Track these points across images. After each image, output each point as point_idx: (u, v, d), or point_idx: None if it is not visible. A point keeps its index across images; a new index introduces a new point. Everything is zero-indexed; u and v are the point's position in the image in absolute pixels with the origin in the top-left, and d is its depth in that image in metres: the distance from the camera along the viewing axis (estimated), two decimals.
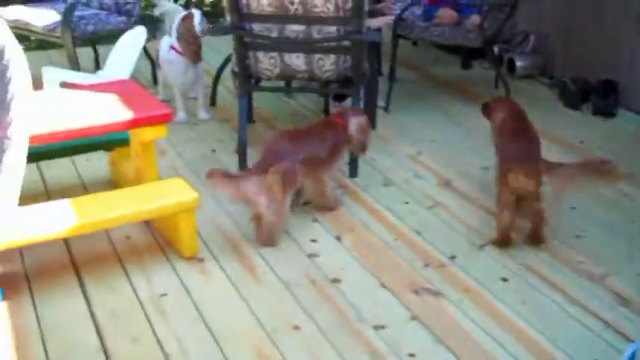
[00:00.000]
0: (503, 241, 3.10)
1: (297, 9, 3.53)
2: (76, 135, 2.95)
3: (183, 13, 4.55)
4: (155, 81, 5.10)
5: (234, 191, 3.09)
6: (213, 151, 4.10)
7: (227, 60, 4.74)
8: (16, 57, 1.47)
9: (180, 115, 4.48)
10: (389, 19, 4.61)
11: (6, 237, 2.50)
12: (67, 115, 3.01)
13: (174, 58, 4.40)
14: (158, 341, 2.49)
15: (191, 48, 4.34)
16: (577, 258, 3.03)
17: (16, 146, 1.43)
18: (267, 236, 3.10)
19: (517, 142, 3.19)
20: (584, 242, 3.16)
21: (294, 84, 4.65)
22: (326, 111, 4.55)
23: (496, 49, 5.37)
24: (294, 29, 3.60)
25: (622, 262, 3.00)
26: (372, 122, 4.38)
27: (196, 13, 4.42)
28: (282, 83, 4.69)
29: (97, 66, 5.36)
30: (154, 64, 5.06)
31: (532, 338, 2.52)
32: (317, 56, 3.66)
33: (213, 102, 4.81)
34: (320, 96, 4.72)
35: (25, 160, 1.47)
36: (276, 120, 4.59)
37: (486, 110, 3.59)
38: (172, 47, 4.39)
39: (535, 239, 3.11)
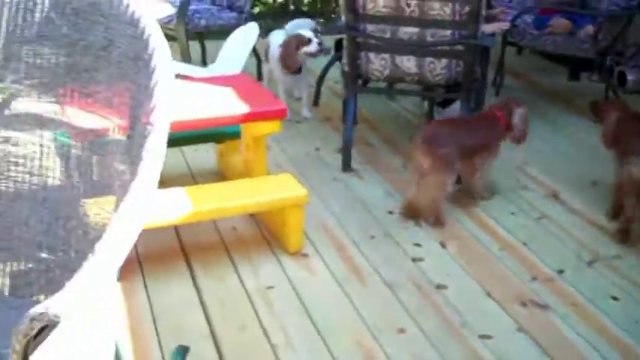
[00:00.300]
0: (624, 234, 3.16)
1: (413, 11, 3.53)
2: (194, 126, 3.03)
3: (295, 33, 4.43)
4: (260, 77, 5.20)
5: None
6: (317, 149, 4.14)
7: (332, 61, 4.78)
8: (161, 46, 1.53)
9: None
10: (504, 25, 4.56)
11: (149, 219, 2.58)
12: (184, 106, 3.09)
13: None
14: (264, 331, 2.53)
15: (287, 65, 4.37)
16: None
17: (158, 132, 1.48)
18: (430, 214, 3.29)
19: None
20: None
21: (399, 87, 4.64)
22: (430, 116, 4.52)
23: (607, 62, 5.22)
24: (408, 31, 3.61)
25: None
26: None
27: (311, 39, 4.32)
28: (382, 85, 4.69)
29: (204, 60, 5.50)
30: (260, 61, 5.16)
31: None
32: (429, 59, 3.65)
33: (316, 102, 4.86)
34: (422, 100, 4.70)
35: (165, 146, 1.52)
36: (379, 122, 4.59)
37: (597, 109, 3.56)
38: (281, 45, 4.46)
39: None
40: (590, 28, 4.63)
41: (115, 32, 1.64)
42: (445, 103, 4.46)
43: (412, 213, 3.34)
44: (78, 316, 1.35)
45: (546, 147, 4.23)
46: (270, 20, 7.58)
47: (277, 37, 4.53)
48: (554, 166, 3.96)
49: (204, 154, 3.93)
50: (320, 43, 4.28)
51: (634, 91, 5.13)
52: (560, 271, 2.97)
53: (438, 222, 3.30)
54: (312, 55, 4.32)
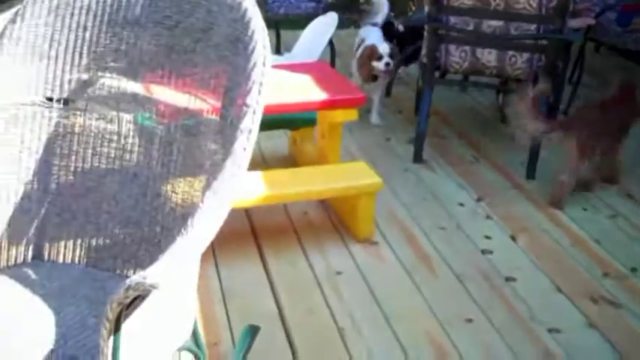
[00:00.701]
0: None
1: (498, 4, 3.51)
2: (273, 111, 3.07)
3: (371, 44, 4.26)
4: (333, 66, 5.23)
5: (535, 127, 3.31)
6: (388, 139, 4.16)
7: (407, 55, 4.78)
8: (260, 29, 1.57)
9: None
10: (589, 20, 4.46)
11: (239, 197, 2.67)
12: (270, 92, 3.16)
13: None
14: (332, 315, 2.58)
15: (362, 74, 4.27)
16: None
17: (253, 113, 1.54)
18: (554, 196, 3.40)
19: None
20: None
21: (472, 79, 4.61)
22: (503, 109, 4.48)
23: None
24: (492, 24, 3.59)
25: None
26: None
27: (382, 56, 4.16)
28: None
29: (278, 49, 5.57)
30: (334, 51, 5.19)
31: None
32: (510, 53, 3.63)
33: (388, 93, 4.87)
34: (497, 93, 4.66)
35: (258, 127, 1.57)
36: (451, 115, 4.58)
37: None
38: None
39: None
40: None
41: (216, 15, 1.70)
42: None
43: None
44: (169, 288, 1.42)
45: None
46: (340, 11, 7.61)
47: (369, 35, 4.48)
48: (627, 164, 3.87)
49: (277, 141, 4.00)
50: (388, 64, 4.14)
51: None
52: (634, 269, 2.92)
53: (556, 203, 3.41)
54: (381, 72, 4.19)
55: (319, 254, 2.97)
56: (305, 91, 3.17)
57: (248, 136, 1.54)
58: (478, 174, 3.75)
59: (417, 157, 3.86)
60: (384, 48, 4.17)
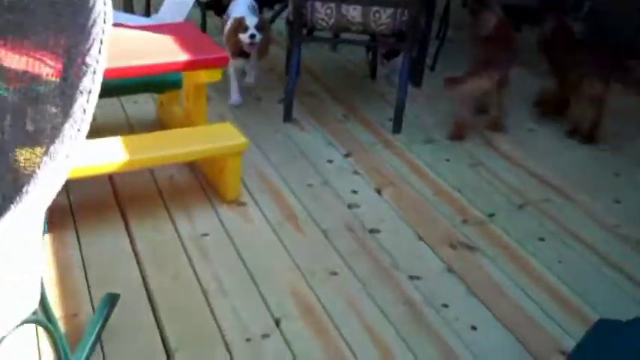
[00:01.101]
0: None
1: None
2: (133, 73, 2.99)
3: (239, 16, 3.99)
4: (204, 28, 5.14)
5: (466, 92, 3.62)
6: (259, 99, 4.14)
7: (279, 11, 4.75)
8: None
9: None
10: None
11: (82, 167, 2.61)
12: (123, 53, 3.05)
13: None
14: (197, 278, 2.56)
15: (231, 48, 3.98)
16: (614, 221, 3.02)
17: (93, 73, 1.48)
18: (454, 133, 3.74)
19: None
20: (624, 207, 3.15)
21: (344, 36, 4.64)
22: (373, 66, 4.54)
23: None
24: None
25: None
26: (419, 80, 4.39)
27: (249, 23, 3.89)
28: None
29: (148, 11, 5.42)
30: (205, 12, 5.10)
31: (564, 295, 2.55)
32: (374, 8, 3.65)
33: None
34: (367, 51, 4.71)
35: (99, 88, 1.51)
36: (321, 73, 4.60)
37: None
38: None
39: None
40: None
41: None
42: (389, 55, 4.47)
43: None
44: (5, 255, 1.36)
45: None
46: None
47: (235, 6, 4.28)
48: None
49: (143, 106, 3.91)
50: (253, 35, 3.85)
51: None
52: (491, 215, 3.05)
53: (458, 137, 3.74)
54: (247, 46, 3.92)
55: (185, 218, 2.94)
56: (167, 52, 3.09)
57: (88, 98, 1.48)
58: (347, 131, 3.80)
59: (287, 117, 3.86)
60: (250, 19, 3.93)
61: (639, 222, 3.03)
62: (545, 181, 3.35)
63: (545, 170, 3.44)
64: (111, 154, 2.77)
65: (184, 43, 3.17)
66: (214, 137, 3.00)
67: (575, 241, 2.88)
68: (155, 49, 3.11)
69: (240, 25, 3.91)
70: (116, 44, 3.10)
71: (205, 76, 3.09)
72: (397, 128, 3.77)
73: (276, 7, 4.91)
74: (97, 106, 3.83)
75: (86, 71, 1.53)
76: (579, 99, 3.68)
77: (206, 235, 2.83)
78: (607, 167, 3.52)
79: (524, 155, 3.58)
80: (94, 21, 1.54)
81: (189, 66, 3.04)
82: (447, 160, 3.52)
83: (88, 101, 1.55)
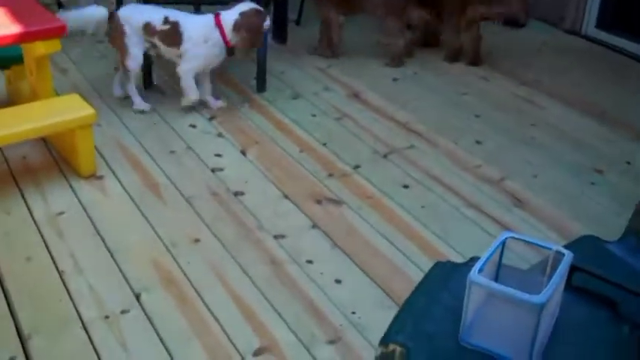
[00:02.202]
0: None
1: None
2: None
3: None
4: (60, 5, 4.89)
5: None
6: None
7: None
8: None
9: None
10: None
11: None
12: None
13: None
14: (52, 259, 2.44)
15: None
16: (475, 162, 3.08)
17: None
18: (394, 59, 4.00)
19: None
20: (484, 148, 3.22)
21: None
22: None
23: None
24: None
25: (519, 165, 3.07)
26: (283, 36, 4.31)
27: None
28: None
29: None
30: None
31: (427, 239, 2.58)
32: None
33: None
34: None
35: None
36: None
37: None
38: None
39: None
40: None
41: None
42: None
43: None
44: None
45: (349, 49, 4.25)
46: None
47: None
48: (356, 67, 4.02)
49: None
50: None
51: None
52: (356, 167, 3.04)
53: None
54: None
55: (39, 198, 2.79)
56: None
57: None
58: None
59: (147, 83, 3.72)
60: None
61: (500, 162, 3.10)
62: (409, 128, 3.37)
63: (409, 117, 3.46)
64: None
65: (18, 14, 2.97)
66: (61, 110, 2.85)
67: (438, 185, 2.92)
68: None
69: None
70: None
71: (44, 48, 2.91)
72: (261, 87, 3.71)
73: None
74: None
75: None
76: (461, 25, 3.94)
77: (61, 213, 2.69)
78: (468, 109, 3.57)
79: (388, 104, 3.59)
80: None
81: (23, 38, 2.86)
82: (313, 116, 3.49)
83: None
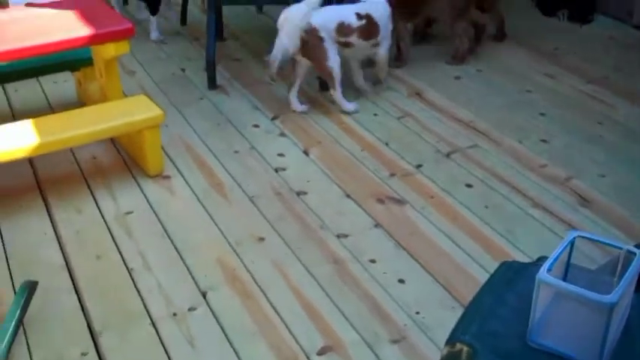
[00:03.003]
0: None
1: None
2: (36, 52, 2.89)
3: None
4: (125, 1, 5.03)
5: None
6: (183, 70, 4.05)
7: None
8: None
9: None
10: None
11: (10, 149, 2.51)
12: (29, 33, 2.94)
13: None
14: (122, 257, 2.51)
15: None
16: (541, 162, 3.03)
17: None
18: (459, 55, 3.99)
19: None
20: (550, 146, 3.16)
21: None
22: None
23: None
24: None
25: (586, 164, 3.01)
26: None
27: None
28: None
29: None
30: None
31: (492, 240, 2.55)
32: None
33: (184, 21, 4.73)
34: None
35: None
36: (247, 37, 4.51)
37: None
38: None
39: None
40: None
41: None
42: None
43: None
44: None
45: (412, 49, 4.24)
46: None
47: None
48: (418, 66, 3.99)
49: (62, 85, 3.79)
50: None
51: None
52: (419, 166, 3.03)
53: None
54: None
55: (109, 197, 2.87)
56: (68, 28, 2.98)
57: None
58: (274, 93, 3.74)
59: (211, 84, 3.78)
60: None
61: (566, 160, 3.04)
62: (472, 127, 3.34)
63: (472, 116, 3.43)
64: (23, 138, 2.68)
65: (88, 17, 3.06)
66: (129, 111, 2.92)
67: (502, 185, 2.88)
68: (57, 26, 3.00)
69: None
70: (23, 24, 3.02)
71: (113, 50, 2.99)
72: (325, 86, 3.72)
73: None
74: (14, 90, 3.73)
75: None
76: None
77: (130, 212, 2.76)
78: (532, 107, 3.52)
79: (451, 103, 3.56)
80: None
81: (94, 40, 2.94)
82: (375, 115, 3.49)
83: None
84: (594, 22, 4.58)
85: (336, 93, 3.46)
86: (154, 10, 4.39)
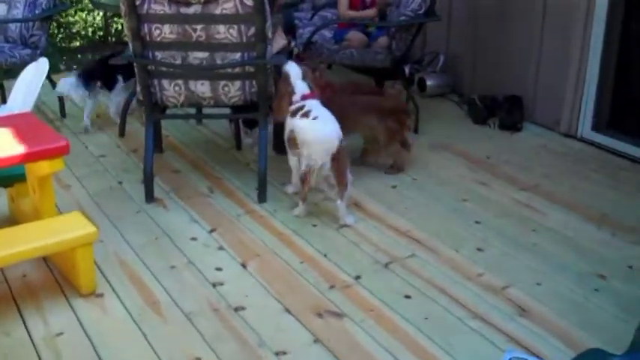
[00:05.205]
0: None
1: (200, 36, 3.51)
2: None
3: None
4: (63, 113, 5.03)
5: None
6: (120, 182, 4.01)
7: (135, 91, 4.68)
8: None
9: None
10: (283, 41, 4.58)
11: None
12: None
13: None
14: None
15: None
16: (478, 270, 3.06)
17: None
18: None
19: None
20: (486, 255, 3.20)
21: (205, 111, 4.60)
22: (237, 137, 4.51)
23: (407, 69, 5.44)
24: (198, 56, 3.58)
25: (522, 273, 3.05)
26: (283, 146, 4.37)
27: None
28: (192, 111, 4.64)
29: (4, 100, 5.23)
30: (61, 98, 4.99)
31: (432, 354, 2.53)
32: (222, 82, 3.64)
33: (122, 132, 4.73)
34: (230, 122, 4.68)
35: None
36: (186, 148, 4.53)
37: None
38: None
39: None
40: (384, 40, 4.79)
41: None
42: (252, 124, 4.45)
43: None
44: None
45: None
46: (90, 54, 7.39)
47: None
48: (355, 177, 4.04)
49: None
50: None
51: (434, 94, 5.38)
52: (358, 277, 3.03)
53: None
54: None
55: (39, 318, 2.76)
56: (2, 145, 2.94)
57: None
58: (212, 205, 3.72)
59: (149, 197, 3.75)
60: None
61: (503, 269, 3.08)
62: (409, 236, 3.37)
63: (410, 225, 3.47)
64: None
65: (22, 134, 3.03)
66: (62, 229, 2.86)
67: (441, 296, 2.89)
68: None
69: None
70: None
71: (48, 167, 2.95)
72: (262, 197, 3.73)
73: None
74: None
75: None
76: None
77: (61, 334, 2.67)
78: (468, 215, 3.58)
79: (389, 212, 3.60)
80: None
81: (28, 158, 2.90)
82: (314, 226, 3.49)
83: None
84: (524, 131, 4.75)
85: (344, 204, 3.48)
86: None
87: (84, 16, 8.20)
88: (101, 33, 8.14)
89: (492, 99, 4.90)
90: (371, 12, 4.97)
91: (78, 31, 8.11)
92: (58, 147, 3.01)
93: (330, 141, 3.39)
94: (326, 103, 3.61)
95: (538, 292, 2.90)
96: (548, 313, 2.76)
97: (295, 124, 3.51)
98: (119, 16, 8.05)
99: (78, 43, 7.94)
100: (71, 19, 8.00)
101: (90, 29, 8.19)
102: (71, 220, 2.95)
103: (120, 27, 8.13)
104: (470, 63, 5.35)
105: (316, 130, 3.44)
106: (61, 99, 5.01)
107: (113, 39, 7.99)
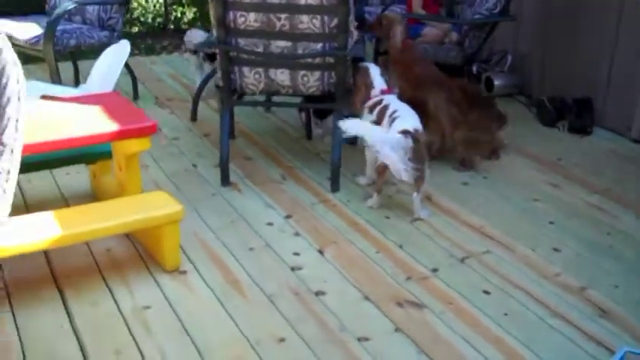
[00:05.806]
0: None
1: (283, 25, 3.57)
2: (60, 146, 2.93)
3: None
4: (136, 96, 5.13)
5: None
6: (194, 165, 4.10)
7: (209, 75, 4.76)
8: (12, 63, 1.48)
9: None
10: (356, 36, 4.60)
11: (13, 245, 2.50)
12: (49, 126, 2.99)
13: None
14: (141, 354, 2.48)
15: None
16: (555, 270, 3.07)
17: (10, 152, 1.43)
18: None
19: None
20: (562, 255, 3.20)
21: (276, 99, 4.66)
22: (308, 127, 4.57)
23: (474, 68, 5.44)
24: (280, 45, 3.64)
25: (599, 275, 3.05)
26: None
27: None
28: (260, 98, 4.70)
29: (77, 81, 5.37)
30: (135, 79, 5.09)
31: (513, 349, 2.55)
32: (302, 72, 3.70)
33: (194, 117, 4.82)
34: (300, 112, 4.74)
35: (19, 166, 1.47)
36: (257, 135, 4.60)
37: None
38: None
39: None
40: (454, 36, 4.81)
41: None
42: (323, 114, 4.51)
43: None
44: None
45: None
46: (149, 40, 7.51)
47: None
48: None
49: (75, 177, 3.82)
50: None
51: (501, 94, 5.37)
52: (435, 270, 3.06)
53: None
54: None
55: (125, 290, 2.85)
56: (92, 123, 3.04)
57: (7, 177, 1.43)
58: (286, 192, 3.79)
59: (224, 181, 3.83)
60: None
61: (580, 270, 3.08)
62: (483, 233, 3.39)
63: (482, 221, 3.49)
64: (43, 230, 2.68)
65: (112, 113, 3.13)
66: (149, 207, 2.94)
67: (519, 293, 2.91)
68: (82, 121, 3.06)
69: None
70: (43, 117, 3.07)
71: (135, 146, 3.04)
72: (335, 187, 3.78)
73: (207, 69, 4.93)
74: (27, 181, 3.76)
75: (3, 151, 1.48)
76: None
77: (148, 307, 2.75)
78: (541, 215, 3.58)
79: (461, 208, 3.63)
80: (8, 99, 1.50)
81: (117, 136, 2.99)
82: (387, 218, 3.53)
83: (7, 181, 1.50)
84: (593, 135, 4.73)
85: (419, 197, 3.52)
86: None
87: (143, 2, 8.35)
88: (160, 19, 8.28)
89: (561, 101, 4.89)
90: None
91: (137, 17, 8.26)
92: (147, 126, 3.10)
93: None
94: (405, 63, 3.87)
95: (617, 295, 2.90)
96: (628, 317, 2.76)
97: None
98: (179, 4, 8.21)
99: (136, 29, 8.07)
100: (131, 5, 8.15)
101: (150, 15, 8.33)
102: (158, 198, 3.03)
103: (179, 15, 8.26)
104: (538, 63, 5.33)
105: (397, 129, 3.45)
106: (134, 80, 5.12)
107: (172, 26, 8.13)
